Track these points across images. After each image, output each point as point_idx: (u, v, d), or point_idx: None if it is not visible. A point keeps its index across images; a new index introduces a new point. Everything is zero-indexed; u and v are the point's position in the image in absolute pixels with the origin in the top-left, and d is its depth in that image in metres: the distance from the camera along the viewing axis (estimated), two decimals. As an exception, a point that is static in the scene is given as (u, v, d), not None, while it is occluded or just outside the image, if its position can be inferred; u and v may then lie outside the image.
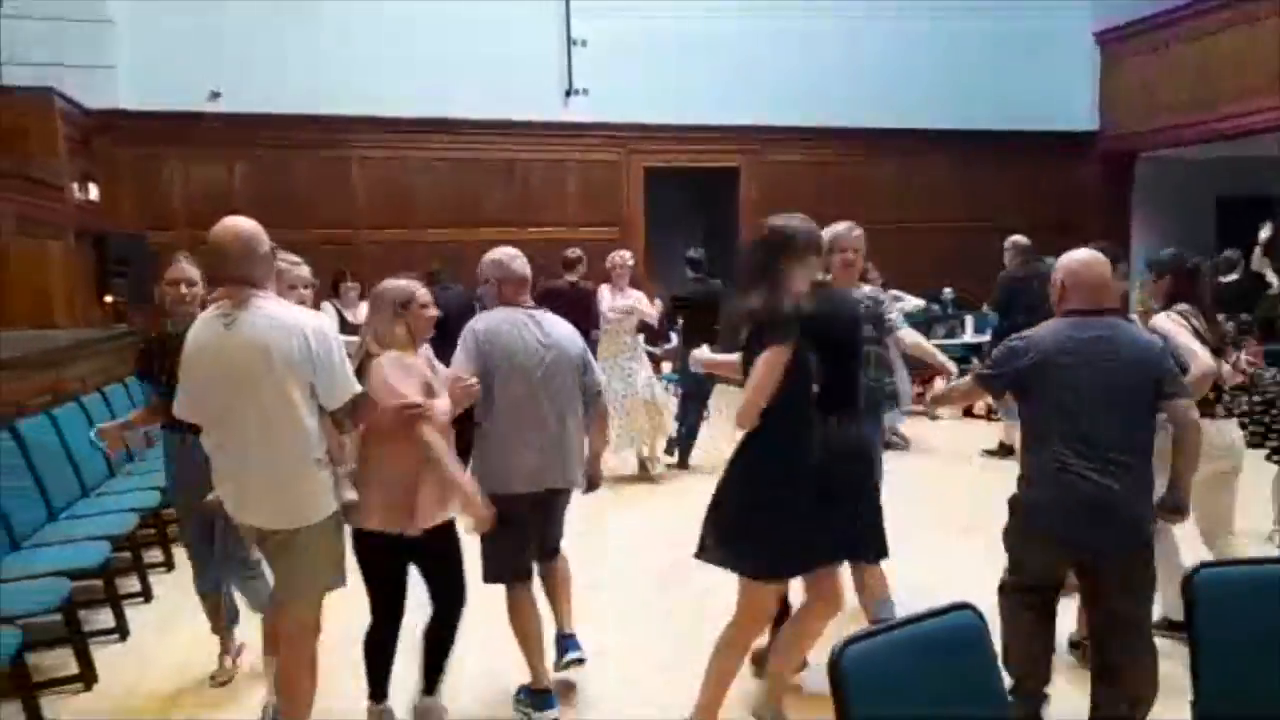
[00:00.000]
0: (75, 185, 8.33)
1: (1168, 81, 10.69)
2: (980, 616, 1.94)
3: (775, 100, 10.53)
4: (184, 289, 3.54)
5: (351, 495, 2.91)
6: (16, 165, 7.67)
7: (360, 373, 2.90)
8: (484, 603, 3.34)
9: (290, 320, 2.73)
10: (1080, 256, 2.95)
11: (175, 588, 4.51)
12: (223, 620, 3.72)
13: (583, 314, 6.00)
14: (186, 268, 3.59)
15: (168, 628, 4.18)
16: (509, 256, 3.35)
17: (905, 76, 10.90)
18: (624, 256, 6.96)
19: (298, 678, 2.86)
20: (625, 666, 3.74)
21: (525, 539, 3.29)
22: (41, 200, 7.75)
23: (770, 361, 2.71)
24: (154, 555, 4.92)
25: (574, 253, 7.03)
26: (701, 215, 12.05)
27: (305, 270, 3.40)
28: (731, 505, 2.88)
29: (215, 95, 9.17)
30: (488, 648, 3.59)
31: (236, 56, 9.12)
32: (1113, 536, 2.76)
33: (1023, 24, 11.12)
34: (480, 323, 3.28)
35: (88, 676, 3.62)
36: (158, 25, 8.97)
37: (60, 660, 3.68)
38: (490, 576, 3.28)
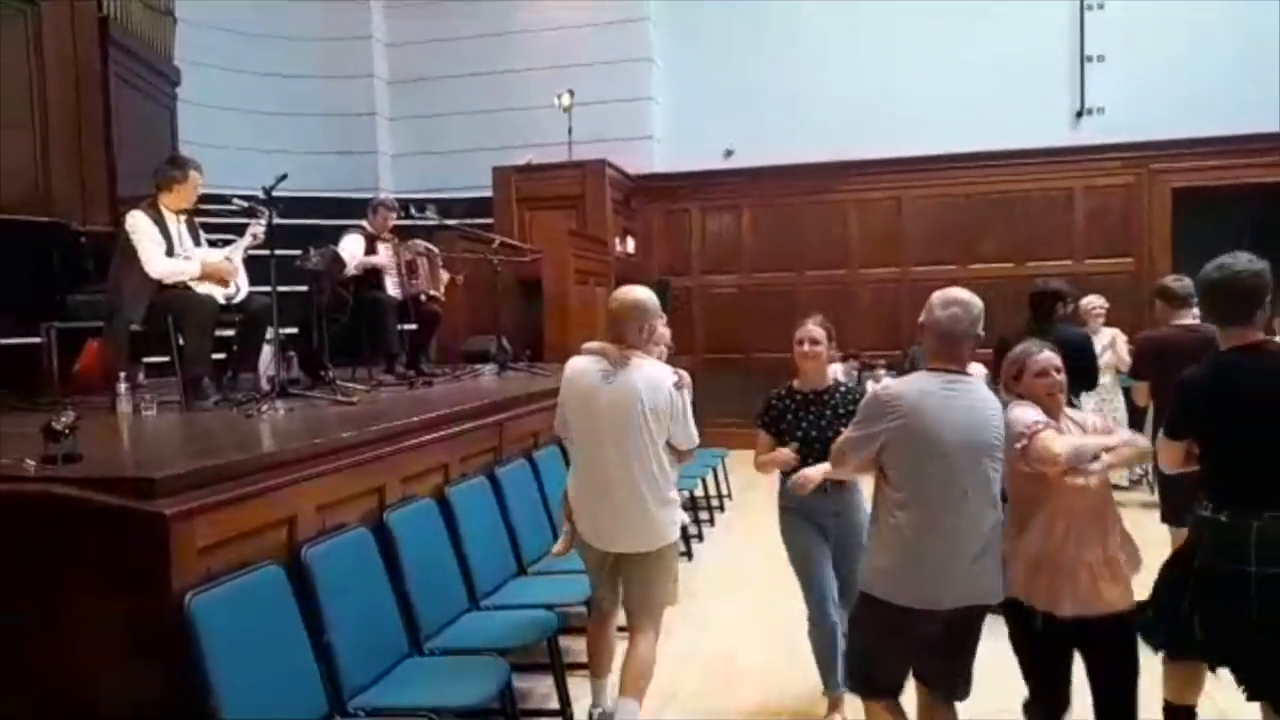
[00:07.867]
0: (617, 240, 10.01)
1: None
2: None
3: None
4: (808, 347, 3.63)
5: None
6: (578, 225, 9.56)
7: None
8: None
9: (658, 377, 3.27)
10: None
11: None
12: None
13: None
14: (813, 329, 3.64)
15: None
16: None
17: None
18: (1099, 301, 7.17)
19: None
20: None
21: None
22: (594, 254, 9.48)
23: None
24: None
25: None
26: (1250, 241, 10.14)
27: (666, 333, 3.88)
28: None
29: (729, 153, 10.30)
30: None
31: (746, 117, 10.10)
32: None
33: None
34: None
35: (566, 712, 3.61)
36: (685, 97, 10.37)
37: (532, 685, 3.77)
38: None
